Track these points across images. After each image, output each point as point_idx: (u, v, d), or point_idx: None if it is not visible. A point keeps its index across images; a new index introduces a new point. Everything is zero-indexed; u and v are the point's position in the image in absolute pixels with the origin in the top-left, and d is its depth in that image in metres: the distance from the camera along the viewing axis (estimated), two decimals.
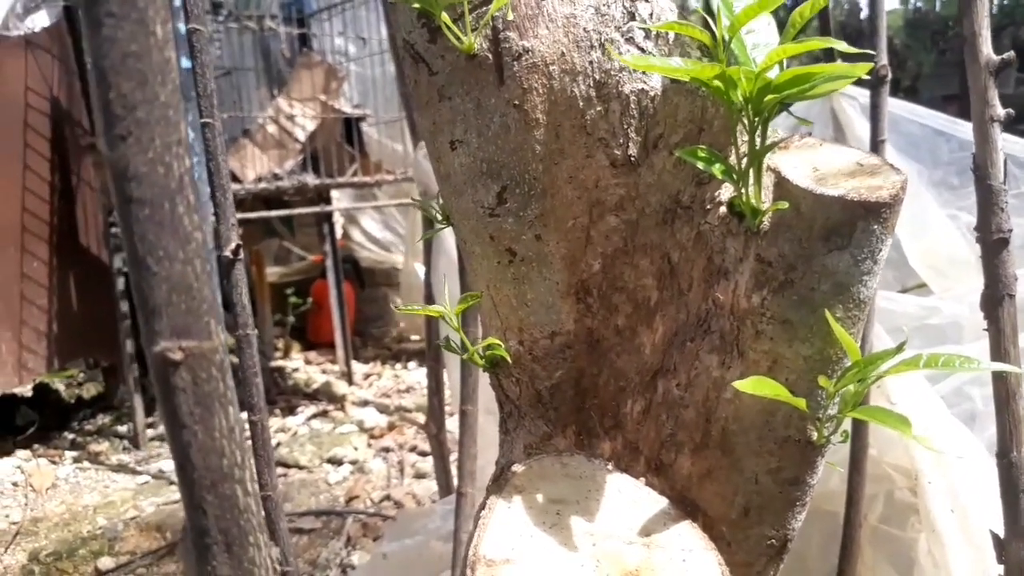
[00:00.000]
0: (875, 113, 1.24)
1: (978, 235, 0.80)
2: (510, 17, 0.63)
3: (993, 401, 0.84)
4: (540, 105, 0.65)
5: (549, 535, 0.66)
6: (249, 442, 1.10)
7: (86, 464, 3.14)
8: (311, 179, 3.48)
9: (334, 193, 3.82)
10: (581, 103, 0.66)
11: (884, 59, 1.22)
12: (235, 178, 3.34)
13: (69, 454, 3.22)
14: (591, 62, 0.65)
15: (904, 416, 0.61)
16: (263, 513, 1.08)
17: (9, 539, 2.51)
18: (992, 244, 0.79)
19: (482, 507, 0.70)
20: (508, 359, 0.76)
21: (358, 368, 4.27)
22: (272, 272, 4.74)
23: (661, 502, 0.70)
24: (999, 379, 0.81)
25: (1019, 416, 0.81)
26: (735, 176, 0.60)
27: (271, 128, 3.49)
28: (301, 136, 3.52)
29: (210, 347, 0.32)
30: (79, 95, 3.15)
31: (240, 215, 3.35)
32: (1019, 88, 7.30)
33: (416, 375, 4.10)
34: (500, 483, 0.73)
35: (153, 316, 0.31)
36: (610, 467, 0.74)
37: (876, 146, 1.25)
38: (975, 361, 0.64)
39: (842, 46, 0.53)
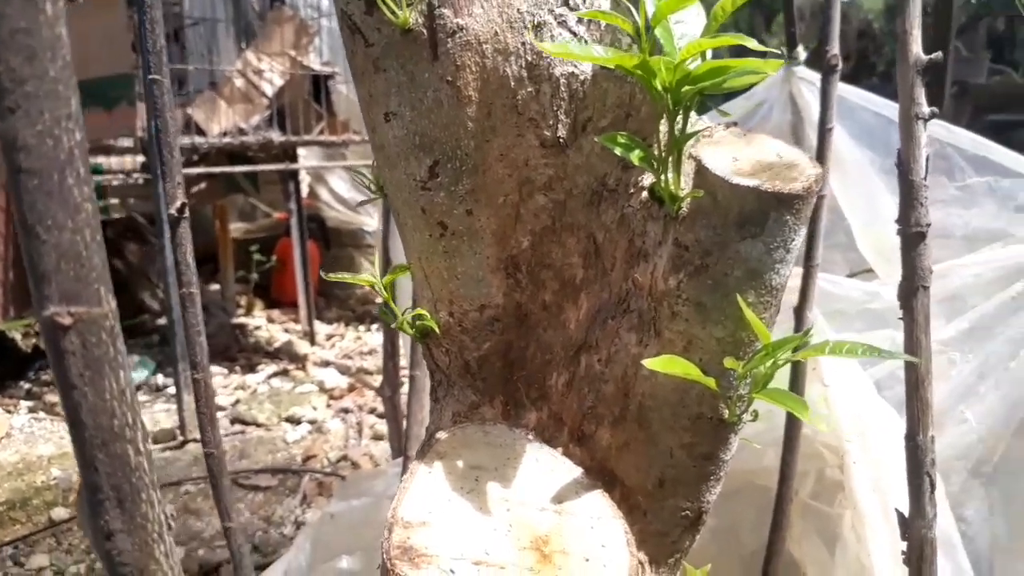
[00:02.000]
0: (824, 100, 1.26)
1: (899, 228, 0.83)
2: None
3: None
4: (472, 83, 0.66)
5: (466, 500, 0.68)
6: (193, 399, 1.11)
7: (41, 415, 3.12)
8: (277, 136, 3.44)
9: (300, 151, 3.78)
10: (513, 83, 0.67)
11: (835, 48, 1.23)
12: (200, 131, 3.30)
13: (24, 404, 3.21)
14: (524, 43, 0.66)
15: (802, 400, 0.64)
16: (207, 470, 1.09)
17: None
18: (911, 237, 0.82)
19: (405, 471, 0.72)
20: (437, 329, 0.78)
21: (321, 328, 4.28)
22: (236, 228, 4.70)
23: (575, 471, 0.73)
24: (910, 366, 0.85)
25: (927, 402, 0.85)
26: (654, 163, 0.62)
27: (238, 82, 3.44)
28: (269, 91, 3.47)
29: (100, 313, 0.34)
30: None
31: (203, 169, 3.31)
32: (991, 78, 7.38)
33: (378, 337, 4.12)
34: (424, 449, 0.76)
35: (43, 282, 0.33)
36: (530, 437, 0.76)
37: (824, 133, 1.27)
38: (878, 349, 0.67)
39: (751, 43, 0.54)
